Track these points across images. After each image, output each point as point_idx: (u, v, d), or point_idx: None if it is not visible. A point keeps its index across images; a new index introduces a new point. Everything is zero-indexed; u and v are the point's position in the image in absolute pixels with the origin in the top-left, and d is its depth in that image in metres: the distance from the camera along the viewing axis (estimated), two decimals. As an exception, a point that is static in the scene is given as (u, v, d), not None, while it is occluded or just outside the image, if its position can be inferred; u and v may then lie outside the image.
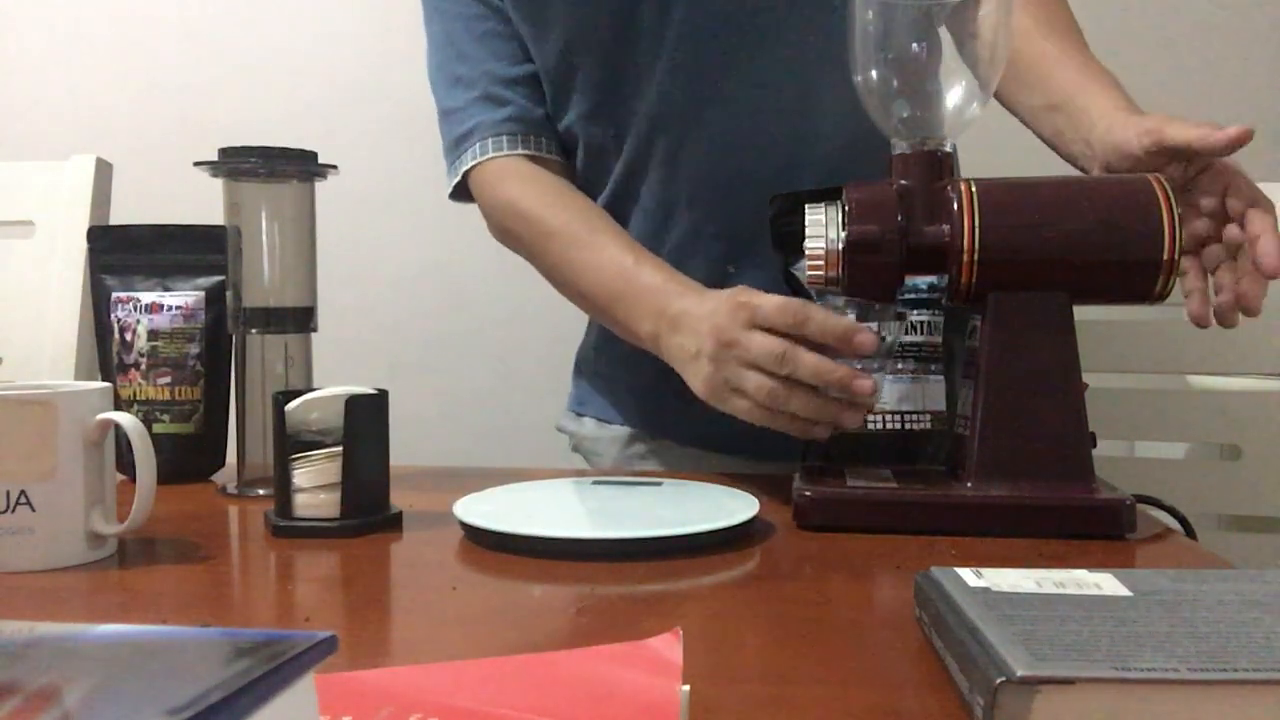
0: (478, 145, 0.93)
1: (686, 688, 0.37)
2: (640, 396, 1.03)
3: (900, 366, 0.78)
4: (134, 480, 0.61)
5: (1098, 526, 0.65)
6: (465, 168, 0.94)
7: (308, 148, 0.81)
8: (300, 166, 0.80)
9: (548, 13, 0.90)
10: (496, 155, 0.92)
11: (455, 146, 0.95)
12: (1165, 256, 0.66)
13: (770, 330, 0.70)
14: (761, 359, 0.70)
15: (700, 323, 0.75)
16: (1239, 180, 0.73)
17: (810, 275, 0.70)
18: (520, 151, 0.93)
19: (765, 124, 0.90)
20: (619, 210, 0.95)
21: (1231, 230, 0.72)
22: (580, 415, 1.10)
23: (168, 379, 0.85)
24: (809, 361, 0.69)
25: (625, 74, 0.91)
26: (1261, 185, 0.81)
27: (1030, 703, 0.33)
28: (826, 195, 0.71)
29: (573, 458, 1.11)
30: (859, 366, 0.72)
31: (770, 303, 0.71)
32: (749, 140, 0.90)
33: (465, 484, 0.74)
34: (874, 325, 0.73)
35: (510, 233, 0.94)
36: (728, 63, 0.89)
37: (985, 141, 0.98)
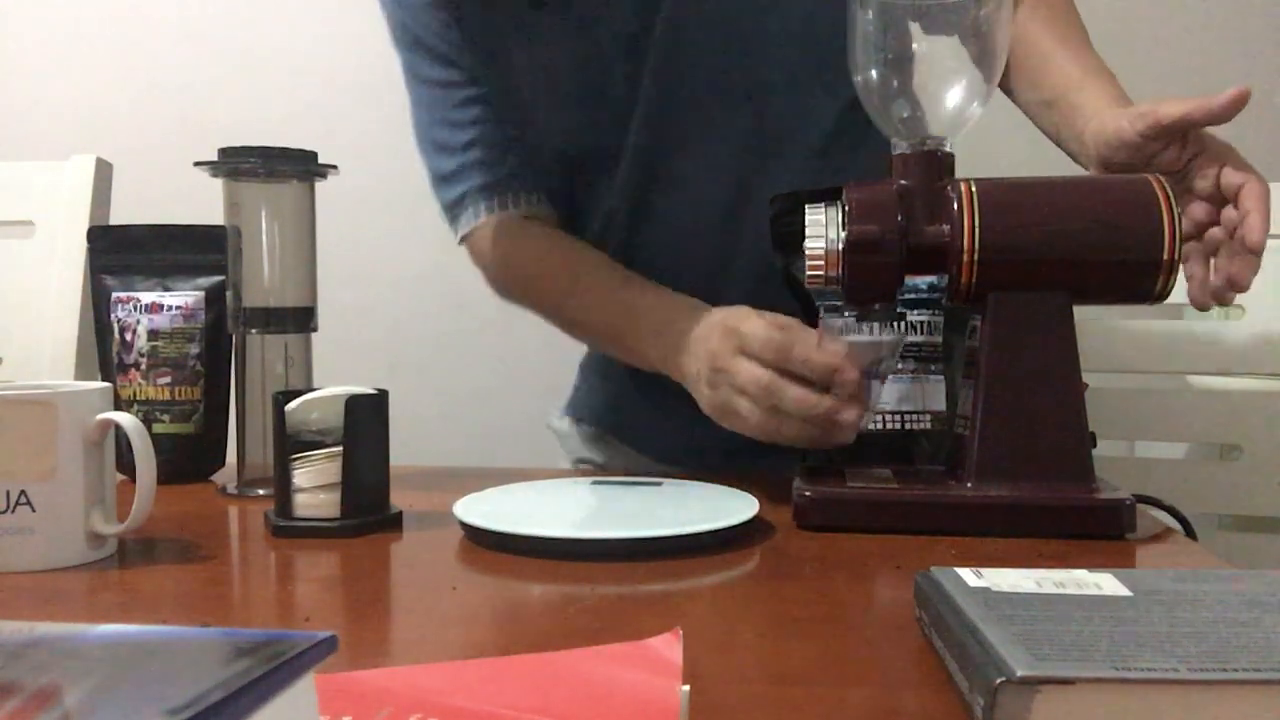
0: (470, 210, 0.95)
1: (686, 688, 0.37)
2: (611, 397, 1.08)
3: (900, 366, 0.78)
4: (134, 480, 0.61)
5: (1098, 526, 0.65)
6: (462, 233, 0.96)
7: (308, 148, 0.81)
8: (300, 166, 0.80)
9: (529, 121, 0.93)
10: (489, 218, 0.94)
11: (449, 210, 0.97)
12: (1165, 256, 0.66)
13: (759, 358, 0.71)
14: (749, 389, 0.71)
15: (697, 345, 0.77)
16: (1233, 158, 0.73)
17: (810, 275, 0.70)
18: (510, 212, 0.94)
19: (705, 214, 0.93)
20: None
21: (1228, 212, 0.72)
22: (564, 415, 1.14)
23: (168, 379, 0.85)
24: (793, 395, 0.69)
25: (595, 167, 0.94)
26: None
27: (1030, 703, 0.33)
28: (826, 195, 0.71)
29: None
30: None
31: (756, 333, 0.71)
32: (692, 229, 0.93)
33: (465, 484, 0.74)
34: (875, 327, 0.73)
35: (509, 290, 0.97)
36: (675, 154, 0.91)
37: (985, 141, 0.98)
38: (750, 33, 0.87)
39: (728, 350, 0.73)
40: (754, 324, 0.72)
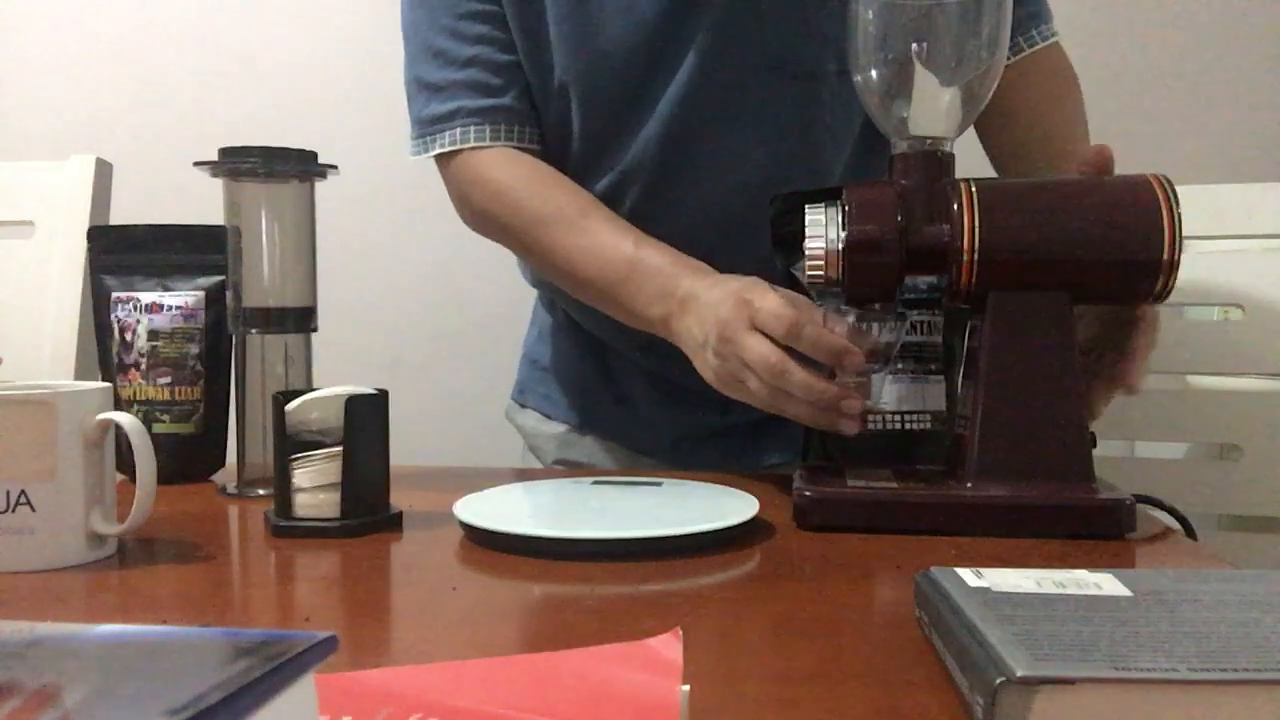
0: (458, 130, 0.89)
1: (686, 688, 0.37)
2: (574, 391, 1.06)
3: (900, 366, 0.78)
4: (134, 480, 0.61)
5: (1098, 526, 0.65)
6: (441, 150, 0.91)
7: (308, 148, 0.81)
8: (300, 166, 0.80)
9: (540, 57, 0.89)
10: (479, 144, 0.89)
11: (429, 123, 0.91)
12: (1165, 256, 0.66)
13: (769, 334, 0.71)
14: (756, 366, 0.71)
15: (706, 312, 0.76)
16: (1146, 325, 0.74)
17: (810, 275, 0.70)
18: (503, 143, 0.90)
19: (730, 191, 0.90)
20: None
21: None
22: (523, 407, 1.11)
23: (168, 379, 0.85)
24: (800, 379, 0.69)
25: (611, 132, 0.90)
26: (1262, 185, 0.81)
27: (1030, 703, 0.33)
28: (826, 195, 0.71)
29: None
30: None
31: (769, 307, 0.71)
32: (712, 205, 0.90)
33: (465, 484, 0.74)
34: (875, 327, 0.73)
35: (491, 218, 0.91)
36: (706, 133, 0.88)
37: (985, 141, 0.98)
38: (812, 19, 0.84)
39: (738, 322, 0.72)
40: (769, 298, 0.72)
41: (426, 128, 0.92)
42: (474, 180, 0.91)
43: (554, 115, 0.91)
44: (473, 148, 0.90)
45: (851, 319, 0.71)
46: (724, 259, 0.82)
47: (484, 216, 0.93)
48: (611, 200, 0.91)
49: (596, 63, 0.87)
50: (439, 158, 0.92)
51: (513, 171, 0.90)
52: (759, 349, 0.70)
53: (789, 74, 0.86)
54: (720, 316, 0.74)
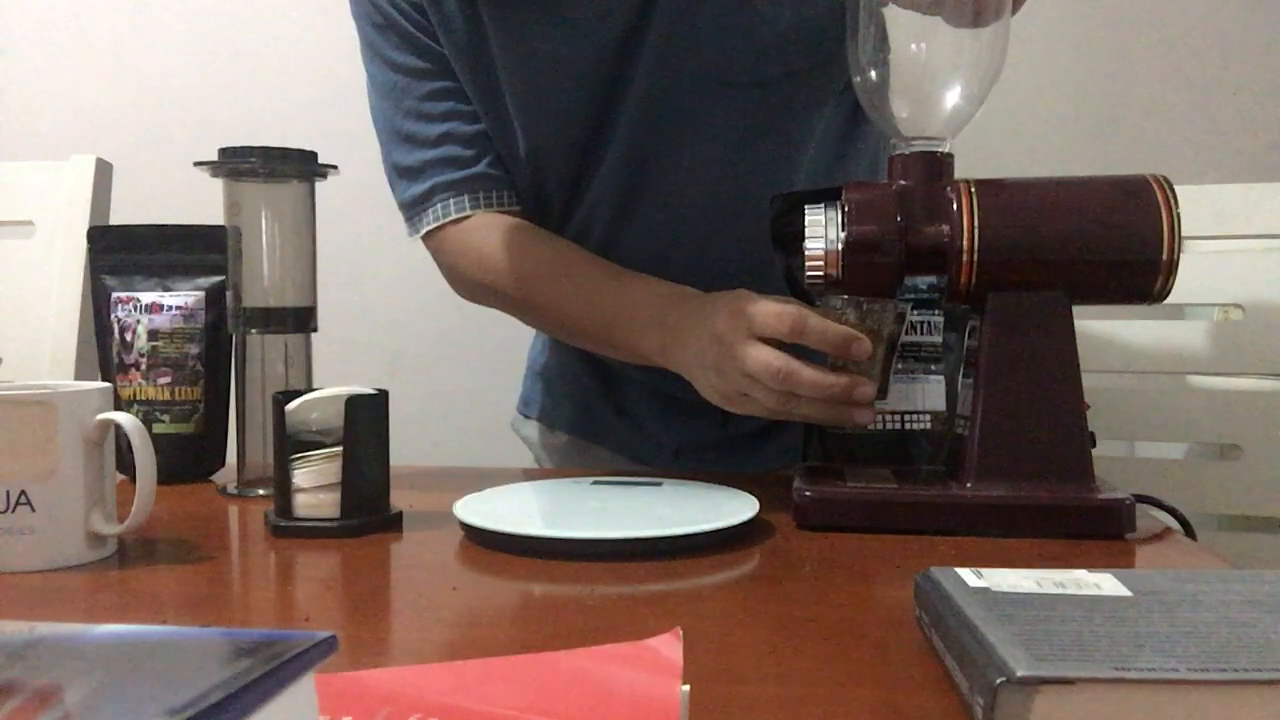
0: (439, 206, 0.91)
1: (686, 688, 0.37)
2: (576, 403, 1.06)
3: (900, 366, 0.78)
4: (134, 480, 0.61)
5: (1098, 526, 0.65)
6: (427, 228, 0.92)
7: (308, 148, 0.81)
8: (300, 166, 0.80)
9: (502, 117, 0.90)
10: (459, 216, 0.91)
11: (412, 205, 0.93)
12: (1165, 256, 0.66)
13: (770, 337, 0.70)
14: (760, 374, 0.70)
15: (700, 332, 0.75)
16: None
17: (810, 276, 0.70)
18: (482, 209, 0.91)
19: (695, 203, 0.90)
20: None
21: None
22: (527, 418, 1.11)
23: (168, 379, 0.85)
24: (808, 378, 0.69)
25: (576, 172, 0.91)
26: (1262, 185, 0.81)
27: (1030, 703, 0.33)
28: (826, 195, 0.71)
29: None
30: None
31: (766, 312, 0.70)
32: (680, 220, 0.90)
33: (465, 484, 0.74)
34: (875, 326, 0.73)
35: (482, 286, 0.93)
36: (663, 151, 0.88)
37: (985, 141, 0.98)
38: (755, 28, 0.84)
39: (737, 334, 0.71)
40: (762, 303, 0.71)
41: (409, 210, 0.93)
42: (459, 250, 0.92)
43: (525, 176, 0.92)
44: (454, 219, 0.91)
45: (850, 314, 0.71)
46: (702, 271, 0.83)
47: (473, 284, 0.94)
48: (582, 231, 0.92)
49: (552, 118, 0.88)
50: (425, 237, 0.94)
51: (493, 234, 0.91)
52: (761, 356, 0.70)
53: (733, 83, 0.86)
54: (715, 332, 0.73)
